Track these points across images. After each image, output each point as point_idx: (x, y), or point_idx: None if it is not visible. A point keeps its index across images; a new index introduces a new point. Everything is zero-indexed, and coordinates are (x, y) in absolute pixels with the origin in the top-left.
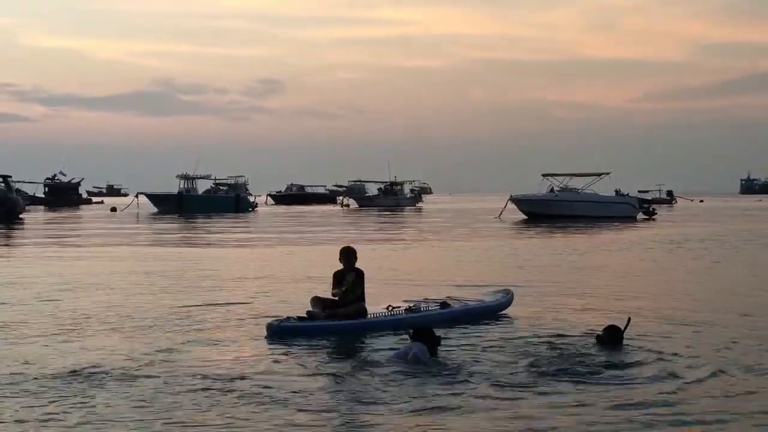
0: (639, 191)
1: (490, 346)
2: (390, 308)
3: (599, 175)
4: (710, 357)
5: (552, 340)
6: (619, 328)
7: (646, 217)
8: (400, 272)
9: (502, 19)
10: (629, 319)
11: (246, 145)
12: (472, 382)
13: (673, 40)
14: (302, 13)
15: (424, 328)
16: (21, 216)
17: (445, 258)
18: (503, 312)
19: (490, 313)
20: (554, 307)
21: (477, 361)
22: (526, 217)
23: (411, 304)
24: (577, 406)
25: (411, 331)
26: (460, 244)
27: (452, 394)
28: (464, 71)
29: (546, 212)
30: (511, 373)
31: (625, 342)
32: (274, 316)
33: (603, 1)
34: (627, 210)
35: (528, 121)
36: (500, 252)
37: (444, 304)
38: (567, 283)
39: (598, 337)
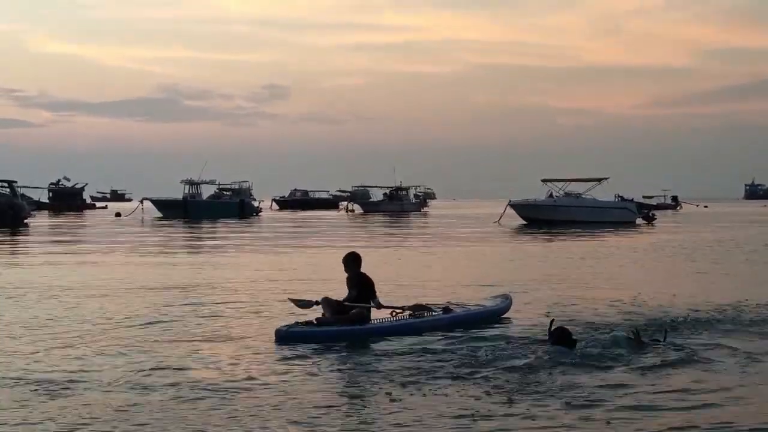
0: (644, 196)
1: (499, 350)
2: (394, 313)
3: (599, 180)
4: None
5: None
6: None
7: (646, 222)
8: (401, 276)
9: (505, 25)
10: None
11: (250, 150)
12: (485, 387)
13: (677, 46)
14: (307, 19)
15: (563, 334)
16: (26, 221)
17: (444, 263)
18: (503, 316)
19: (491, 317)
20: (553, 311)
21: (490, 366)
22: (525, 223)
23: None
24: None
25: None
26: (460, 249)
27: (467, 397)
28: (468, 76)
29: (545, 217)
30: (534, 379)
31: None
32: (283, 322)
33: (607, 6)
34: (626, 215)
35: (532, 127)
36: (498, 257)
37: (446, 309)
38: (563, 287)
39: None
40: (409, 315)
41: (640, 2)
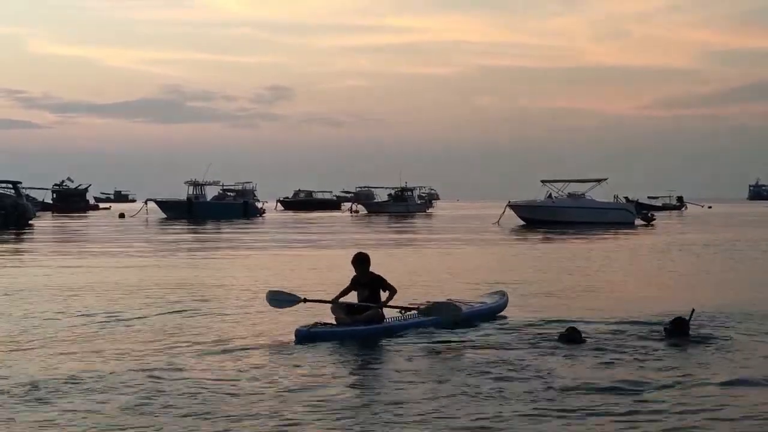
0: (649, 197)
1: (510, 349)
2: (404, 311)
3: (597, 181)
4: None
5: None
6: (686, 320)
7: (644, 223)
8: (401, 274)
9: (509, 27)
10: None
11: (254, 151)
12: (497, 388)
13: (681, 48)
14: (310, 20)
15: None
16: (31, 222)
17: (443, 262)
18: (500, 314)
19: (491, 314)
20: (550, 308)
21: (500, 366)
22: (524, 224)
23: (422, 307)
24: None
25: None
26: (460, 250)
27: (477, 398)
28: (472, 78)
29: (543, 218)
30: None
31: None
32: (302, 322)
33: (611, 9)
34: (624, 216)
35: (536, 128)
36: (496, 256)
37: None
38: (559, 285)
39: (665, 329)
40: (419, 313)
41: (642, 5)
